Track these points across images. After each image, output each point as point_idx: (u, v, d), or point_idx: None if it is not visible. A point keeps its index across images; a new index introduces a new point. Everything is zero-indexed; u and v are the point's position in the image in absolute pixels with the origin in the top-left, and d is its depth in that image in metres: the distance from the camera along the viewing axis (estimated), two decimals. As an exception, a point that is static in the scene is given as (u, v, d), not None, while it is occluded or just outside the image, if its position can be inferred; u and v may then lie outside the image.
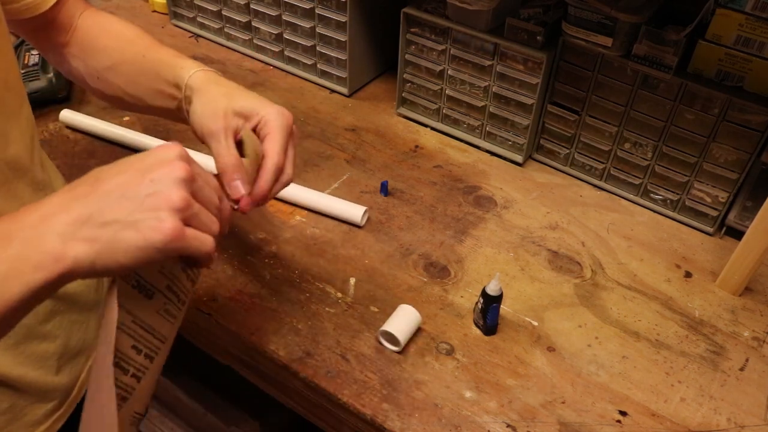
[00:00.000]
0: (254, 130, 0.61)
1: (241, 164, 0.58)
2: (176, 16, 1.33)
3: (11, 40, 0.57)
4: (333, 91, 1.18)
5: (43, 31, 0.69)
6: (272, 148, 0.60)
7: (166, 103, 0.67)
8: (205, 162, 0.89)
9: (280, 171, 0.60)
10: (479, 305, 0.75)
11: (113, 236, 0.43)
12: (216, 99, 0.62)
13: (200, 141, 0.63)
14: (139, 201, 0.44)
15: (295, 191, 0.92)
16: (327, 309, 0.78)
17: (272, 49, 1.22)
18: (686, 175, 0.92)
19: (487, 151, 1.06)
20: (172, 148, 0.47)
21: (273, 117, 0.61)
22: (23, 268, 0.41)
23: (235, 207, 0.56)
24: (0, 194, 0.54)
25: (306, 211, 0.92)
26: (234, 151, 0.59)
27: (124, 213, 0.44)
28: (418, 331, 0.76)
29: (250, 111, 0.61)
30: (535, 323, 0.78)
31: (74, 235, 0.43)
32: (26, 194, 0.57)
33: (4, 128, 0.54)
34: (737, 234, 0.90)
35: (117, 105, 0.74)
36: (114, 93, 0.70)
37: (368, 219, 0.90)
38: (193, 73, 0.64)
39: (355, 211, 0.89)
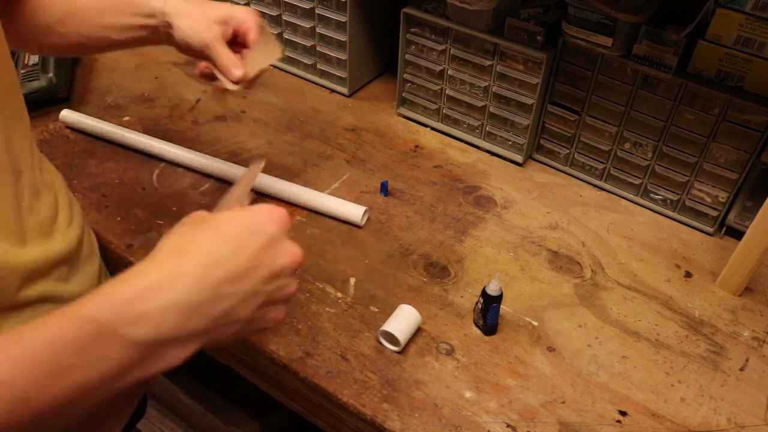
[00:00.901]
0: (236, 32, 0.75)
1: (238, 61, 0.73)
2: (176, 16, 1.33)
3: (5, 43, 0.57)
4: (333, 91, 1.18)
5: None
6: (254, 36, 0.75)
7: (134, 33, 0.74)
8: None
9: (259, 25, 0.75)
10: (479, 305, 0.75)
11: (227, 330, 0.42)
12: (197, 15, 0.72)
13: (187, 53, 0.75)
14: (263, 298, 0.44)
15: (295, 191, 0.91)
16: (327, 309, 0.78)
17: (272, 49, 1.22)
18: (686, 175, 0.92)
19: (487, 151, 1.06)
20: (281, 223, 0.47)
21: (247, 16, 0.75)
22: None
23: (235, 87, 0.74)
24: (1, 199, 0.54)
25: (306, 211, 0.92)
26: (231, 52, 0.73)
27: (248, 311, 0.43)
28: (418, 331, 0.76)
29: (227, 17, 0.73)
30: (535, 323, 0.78)
31: (184, 328, 0.40)
32: (26, 197, 0.57)
33: (6, 133, 0.54)
34: (737, 234, 0.90)
35: (74, 52, 0.81)
36: (70, 41, 0.74)
37: (368, 219, 0.90)
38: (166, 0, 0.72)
39: (355, 211, 0.89)
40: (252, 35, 0.74)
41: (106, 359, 0.38)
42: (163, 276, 0.41)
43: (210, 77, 0.77)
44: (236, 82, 0.73)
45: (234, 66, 0.72)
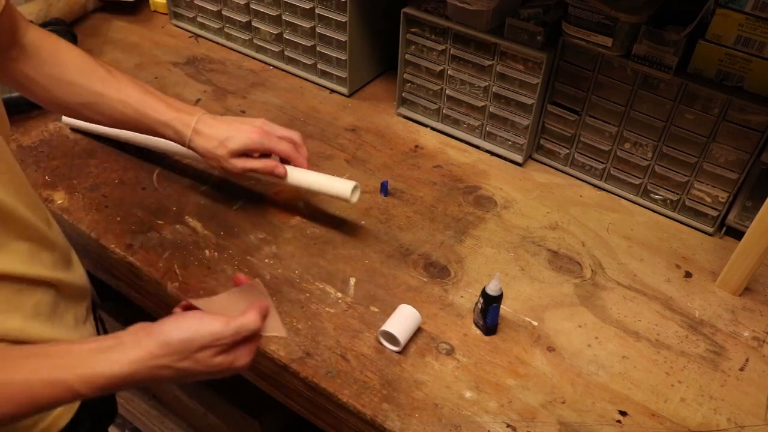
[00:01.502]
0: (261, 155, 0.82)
1: (274, 162, 0.82)
2: (176, 16, 1.33)
3: None
4: (333, 91, 1.18)
5: None
6: (279, 144, 0.82)
7: (155, 134, 0.80)
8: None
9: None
10: (479, 305, 0.75)
11: (182, 380, 0.59)
12: (214, 146, 0.79)
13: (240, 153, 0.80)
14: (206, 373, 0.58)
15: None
16: (327, 309, 0.78)
17: (272, 49, 1.22)
18: (686, 175, 0.92)
19: (487, 151, 1.06)
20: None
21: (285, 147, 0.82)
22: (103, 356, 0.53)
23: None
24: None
25: (306, 211, 0.92)
26: (265, 159, 0.82)
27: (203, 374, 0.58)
28: (418, 331, 0.76)
29: (249, 148, 0.80)
30: (535, 323, 0.78)
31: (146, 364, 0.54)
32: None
33: None
34: (737, 234, 0.90)
35: (86, 120, 0.82)
36: (88, 119, 0.79)
37: (369, 215, 0.90)
38: (190, 136, 0.79)
39: (343, 186, 0.83)
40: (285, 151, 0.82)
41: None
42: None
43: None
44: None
45: (274, 166, 0.81)
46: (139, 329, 0.56)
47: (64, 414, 0.65)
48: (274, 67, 1.24)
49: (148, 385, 0.56)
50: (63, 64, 0.73)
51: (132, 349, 0.54)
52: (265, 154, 0.82)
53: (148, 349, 0.54)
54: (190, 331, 0.55)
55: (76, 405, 0.67)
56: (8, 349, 0.52)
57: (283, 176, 0.82)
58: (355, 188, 0.83)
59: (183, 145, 0.79)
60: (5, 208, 0.57)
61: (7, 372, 0.50)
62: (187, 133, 0.78)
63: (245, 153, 0.80)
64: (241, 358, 0.58)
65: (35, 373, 0.50)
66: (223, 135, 0.78)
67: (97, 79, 0.75)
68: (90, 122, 0.80)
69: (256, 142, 0.79)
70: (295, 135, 0.84)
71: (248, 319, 0.58)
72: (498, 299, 0.73)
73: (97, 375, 0.52)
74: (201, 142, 0.78)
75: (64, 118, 1.03)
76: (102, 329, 0.80)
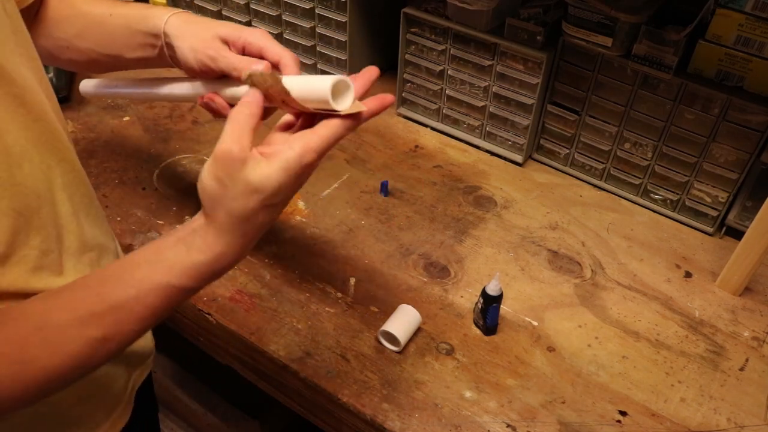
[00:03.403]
0: (243, 52, 0.65)
1: (251, 59, 0.63)
2: (176, 16, 1.33)
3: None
4: (333, 91, 1.18)
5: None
6: (276, 51, 0.64)
7: (146, 53, 0.70)
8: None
9: (297, 60, 0.65)
10: (479, 305, 0.75)
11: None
12: (198, 32, 0.66)
13: (196, 74, 0.66)
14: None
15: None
16: (327, 309, 0.78)
17: (272, 49, 1.22)
18: (686, 175, 0.92)
19: (487, 151, 1.06)
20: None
21: (257, 36, 0.64)
22: (186, 249, 0.50)
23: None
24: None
25: (306, 211, 0.92)
26: (239, 56, 0.64)
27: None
28: (418, 331, 0.76)
29: (232, 35, 0.65)
30: (535, 323, 0.78)
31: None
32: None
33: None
34: (737, 234, 0.90)
35: (94, 69, 0.76)
36: (88, 57, 0.72)
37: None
38: (167, 19, 0.67)
39: (321, 85, 0.52)
40: (271, 50, 0.64)
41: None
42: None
43: (214, 111, 0.67)
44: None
45: (249, 62, 0.62)
46: (198, 218, 0.52)
47: (119, 421, 0.66)
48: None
49: (252, 243, 0.52)
50: (63, 25, 0.72)
51: (202, 232, 0.50)
52: None
53: (212, 222, 0.50)
54: (204, 173, 0.50)
55: (127, 415, 0.67)
56: (107, 272, 0.50)
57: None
58: (338, 85, 0.54)
59: (157, 32, 0.67)
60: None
61: (116, 294, 0.48)
62: (165, 15, 0.67)
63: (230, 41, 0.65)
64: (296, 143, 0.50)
65: (141, 287, 0.49)
66: (211, 22, 0.67)
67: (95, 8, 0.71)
68: (94, 64, 0.73)
69: (248, 32, 0.65)
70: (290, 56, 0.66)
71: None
72: (498, 299, 0.73)
73: (192, 267, 0.50)
74: (180, 22, 0.67)
75: (82, 86, 0.88)
76: None
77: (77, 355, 0.47)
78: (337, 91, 0.53)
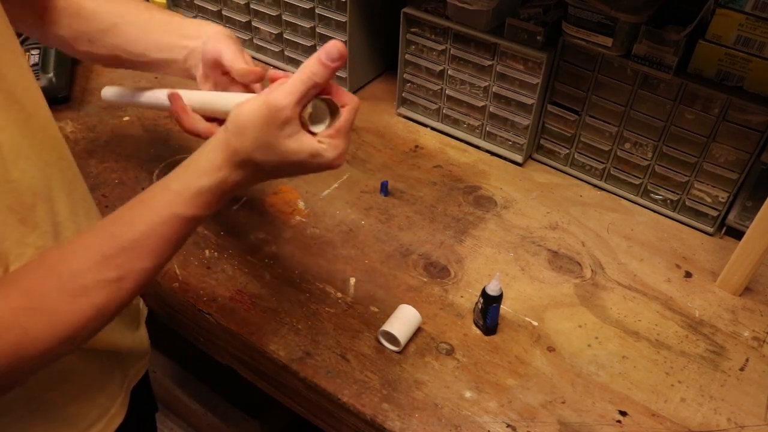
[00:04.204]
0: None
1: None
2: (176, 16, 1.33)
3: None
4: (333, 91, 1.18)
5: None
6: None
7: (172, 54, 0.73)
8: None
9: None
10: (479, 305, 0.75)
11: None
12: (224, 40, 0.71)
13: (211, 54, 0.70)
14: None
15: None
16: (327, 309, 0.78)
17: (272, 49, 1.22)
18: (686, 175, 0.92)
19: (487, 151, 1.06)
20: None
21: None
22: (191, 176, 0.52)
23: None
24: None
25: (306, 211, 0.92)
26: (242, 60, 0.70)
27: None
28: (418, 331, 0.76)
29: (227, 65, 0.70)
30: (535, 323, 0.78)
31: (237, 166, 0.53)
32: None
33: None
34: (737, 234, 0.90)
35: (109, 64, 0.78)
36: (110, 53, 0.74)
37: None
38: (211, 30, 0.72)
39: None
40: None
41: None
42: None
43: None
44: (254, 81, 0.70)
45: (250, 69, 0.69)
46: (219, 130, 0.54)
47: (114, 419, 0.66)
48: (274, 67, 1.23)
49: (250, 184, 0.55)
50: (86, 19, 0.73)
51: (213, 153, 0.53)
52: None
53: (228, 147, 0.52)
54: (254, 108, 0.51)
55: (122, 414, 0.68)
56: (116, 215, 0.52)
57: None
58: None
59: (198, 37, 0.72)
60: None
61: (126, 234, 0.50)
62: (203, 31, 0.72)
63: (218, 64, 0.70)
64: (331, 149, 0.54)
65: (149, 222, 0.51)
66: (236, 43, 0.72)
67: (116, 13, 0.73)
68: (115, 63, 0.76)
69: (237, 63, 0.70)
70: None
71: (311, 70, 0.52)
72: (498, 299, 0.73)
73: (197, 193, 0.52)
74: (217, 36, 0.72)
75: (104, 92, 0.89)
76: None
77: (97, 298, 0.48)
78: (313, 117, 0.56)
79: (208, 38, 0.70)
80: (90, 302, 0.48)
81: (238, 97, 0.64)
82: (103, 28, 0.73)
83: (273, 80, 0.63)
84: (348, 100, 0.56)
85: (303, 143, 0.53)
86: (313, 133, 0.54)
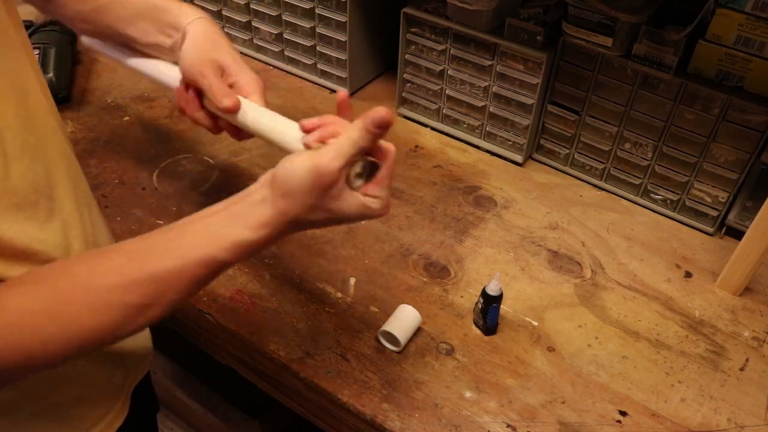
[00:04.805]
0: (230, 86, 0.69)
1: (230, 92, 0.67)
2: (176, 16, 1.33)
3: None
4: (333, 91, 1.18)
5: None
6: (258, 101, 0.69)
7: (158, 40, 0.73)
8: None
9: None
10: (479, 305, 0.75)
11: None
12: (204, 47, 0.69)
13: (188, 78, 0.69)
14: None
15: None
16: (327, 309, 0.78)
17: (272, 49, 1.22)
18: (686, 175, 0.92)
19: (487, 151, 1.06)
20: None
21: (249, 83, 0.69)
22: (237, 226, 0.52)
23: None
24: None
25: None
26: (224, 85, 0.68)
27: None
28: (418, 331, 0.76)
29: (230, 68, 0.69)
30: (535, 323, 0.78)
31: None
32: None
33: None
34: (737, 234, 0.90)
35: (112, 41, 0.78)
36: (102, 32, 0.75)
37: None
38: (191, 21, 0.70)
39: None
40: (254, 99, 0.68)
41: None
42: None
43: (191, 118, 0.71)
44: (225, 112, 0.67)
45: (225, 95, 0.66)
46: (264, 183, 0.54)
47: (116, 419, 0.67)
48: (274, 67, 1.24)
49: (297, 231, 0.57)
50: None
51: (261, 209, 0.53)
52: None
53: (276, 207, 0.53)
54: (303, 173, 0.52)
55: (123, 415, 0.68)
56: (153, 240, 0.52)
57: (234, 111, 0.67)
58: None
59: (178, 27, 0.70)
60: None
61: (161, 264, 0.50)
62: (193, 15, 0.70)
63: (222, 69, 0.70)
64: (377, 201, 0.55)
65: (186, 258, 0.51)
66: (219, 42, 0.70)
67: None
68: (108, 37, 0.76)
69: (245, 75, 0.69)
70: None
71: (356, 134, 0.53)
72: (498, 299, 0.73)
73: (240, 242, 0.52)
74: (203, 26, 0.70)
75: (83, 38, 0.87)
76: None
77: (116, 318, 0.48)
78: None
79: (184, 65, 0.69)
80: (109, 320, 0.48)
81: (289, 129, 0.63)
82: (92, 8, 0.73)
83: (308, 129, 0.61)
84: (385, 151, 0.57)
85: (350, 202, 0.54)
86: (354, 188, 0.56)
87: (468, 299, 0.80)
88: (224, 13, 1.23)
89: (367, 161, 0.57)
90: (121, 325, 0.49)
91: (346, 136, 0.53)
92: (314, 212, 0.54)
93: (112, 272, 0.49)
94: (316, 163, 0.52)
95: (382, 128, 0.53)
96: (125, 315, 0.49)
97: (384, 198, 0.56)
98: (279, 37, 1.19)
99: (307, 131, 0.60)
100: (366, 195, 0.55)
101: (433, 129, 1.10)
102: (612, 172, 0.98)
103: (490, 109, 1.02)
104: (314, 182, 0.52)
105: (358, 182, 0.56)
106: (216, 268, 0.52)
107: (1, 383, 0.48)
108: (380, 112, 0.52)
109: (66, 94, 1.09)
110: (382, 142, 0.57)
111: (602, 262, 0.87)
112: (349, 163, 0.53)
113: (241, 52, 1.26)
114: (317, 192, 0.52)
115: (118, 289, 0.48)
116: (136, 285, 0.49)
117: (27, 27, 0.99)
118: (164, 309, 0.51)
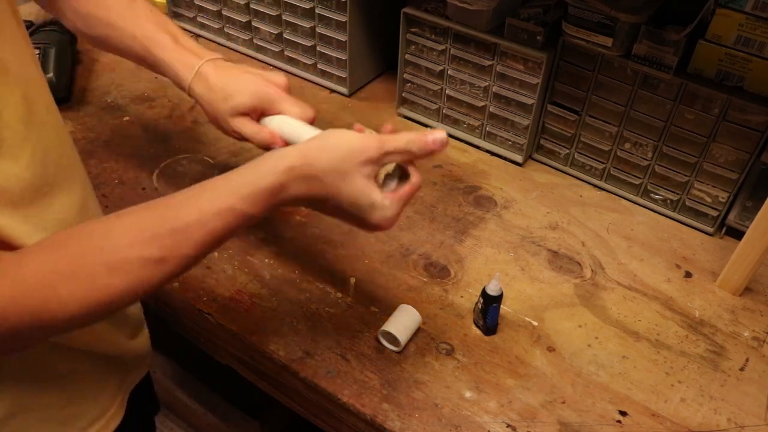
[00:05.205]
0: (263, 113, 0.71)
1: (260, 127, 0.70)
2: (176, 15, 1.33)
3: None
4: (333, 91, 1.18)
5: None
6: (292, 109, 0.71)
7: (167, 74, 0.73)
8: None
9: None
10: (479, 305, 0.75)
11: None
12: (219, 107, 0.70)
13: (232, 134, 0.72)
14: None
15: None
16: (327, 309, 0.78)
17: (272, 49, 1.22)
18: (686, 175, 0.92)
19: (487, 151, 1.06)
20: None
21: (273, 91, 0.70)
22: (255, 174, 0.53)
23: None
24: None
25: (306, 211, 0.92)
26: (261, 127, 0.70)
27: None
28: (418, 331, 0.76)
29: (252, 105, 0.70)
30: (535, 323, 0.78)
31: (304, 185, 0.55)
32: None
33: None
34: (737, 234, 0.90)
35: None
36: (112, 52, 0.77)
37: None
38: (189, 84, 0.71)
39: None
40: (289, 108, 0.71)
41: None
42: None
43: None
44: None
45: (260, 142, 0.70)
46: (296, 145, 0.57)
47: (112, 420, 0.67)
48: (274, 67, 1.23)
49: (305, 202, 0.58)
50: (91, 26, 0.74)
51: (279, 159, 0.54)
52: None
53: (302, 155, 0.54)
54: (351, 136, 0.55)
55: (120, 415, 0.68)
56: (172, 198, 0.52)
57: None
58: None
59: (183, 90, 0.71)
60: None
61: (179, 218, 0.51)
62: (188, 78, 0.70)
63: (249, 112, 0.71)
64: (389, 209, 0.57)
65: (204, 210, 0.51)
66: (230, 88, 0.69)
67: (114, 11, 0.72)
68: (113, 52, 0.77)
69: (265, 101, 0.70)
70: (309, 111, 0.73)
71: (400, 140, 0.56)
72: (498, 299, 0.73)
73: (258, 191, 0.53)
74: (202, 91, 0.70)
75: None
76: None
77: (134, 275, 0.48)
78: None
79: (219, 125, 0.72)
80: (127, 278, 0.48)
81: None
82: (96, 35, 0.74)
83: None
84: (414, 176, 0.60)
85: (371, 189, 0.56)
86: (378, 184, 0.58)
87: (468, 299, 0.80)
88: (224, 13, 1.23)
89: (400, 169, 0.57)
90: (139, 281, 0.49)
91: (403, 132, 0.56)
92: (336, 178, 0.54)
93: (131, 230, 0.49)
94: (365, 136, 0.55)
95: (436, 148, 0.56)
96: (143, 271, 0.49)
97: (395, 211, 0.57)
98: (279, 37, 1.19)
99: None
100: (384, 197, 0.56)
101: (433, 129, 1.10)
102: (612, 172, 0.98)
103: (490, 109, 1.02)
104: (354, 148, 0.54)
105: (386, 183, 0.57)
106: (235, 220, 0.52)
107: (21, 346, 0.49)
108: (443, 134, 0.56)
109: (66, 94, 1.09)
110: (415, 170, 0.60)
111: (602, 262, 0.87)
112: (393, 156, 0.55)
113: (241, 52, 1.27)
114: (351, 158, 0.54)
115: (137, 243, 0.48)
116: (156, 238, 0.49)
117: (27, 27, 0.99)
118: (181, 264, 0.51)
